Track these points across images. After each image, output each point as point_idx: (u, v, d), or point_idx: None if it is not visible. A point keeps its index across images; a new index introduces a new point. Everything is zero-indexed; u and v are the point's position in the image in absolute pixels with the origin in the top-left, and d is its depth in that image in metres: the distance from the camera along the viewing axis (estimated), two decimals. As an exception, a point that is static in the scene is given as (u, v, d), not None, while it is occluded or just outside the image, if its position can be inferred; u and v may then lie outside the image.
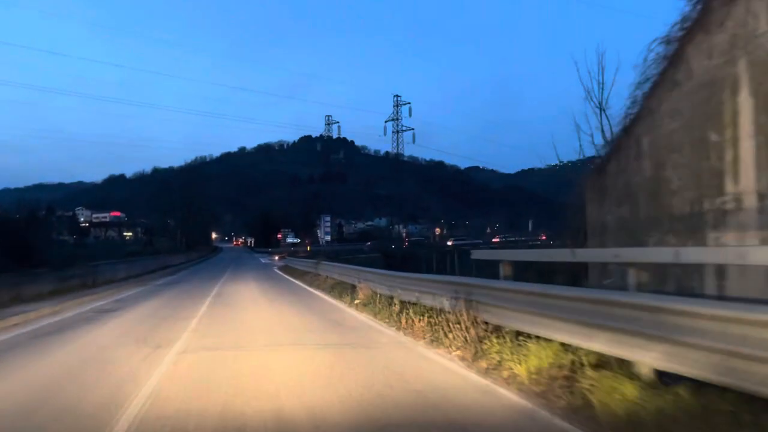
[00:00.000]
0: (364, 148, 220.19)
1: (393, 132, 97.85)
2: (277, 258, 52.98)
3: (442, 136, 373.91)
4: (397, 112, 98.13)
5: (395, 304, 10.64)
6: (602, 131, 12.82)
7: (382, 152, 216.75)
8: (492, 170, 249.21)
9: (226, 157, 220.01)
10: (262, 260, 54.26)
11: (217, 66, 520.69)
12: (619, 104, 13.95)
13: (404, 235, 72.32)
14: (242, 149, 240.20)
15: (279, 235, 71.89)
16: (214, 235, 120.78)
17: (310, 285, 20.62)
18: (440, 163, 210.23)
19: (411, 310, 9.54)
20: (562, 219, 13.40)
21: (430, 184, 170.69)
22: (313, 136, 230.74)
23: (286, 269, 33.08)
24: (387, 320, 10.07)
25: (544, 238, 66.06)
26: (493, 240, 57.39)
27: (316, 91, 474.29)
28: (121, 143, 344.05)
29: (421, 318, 8.70)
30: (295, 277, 25.72)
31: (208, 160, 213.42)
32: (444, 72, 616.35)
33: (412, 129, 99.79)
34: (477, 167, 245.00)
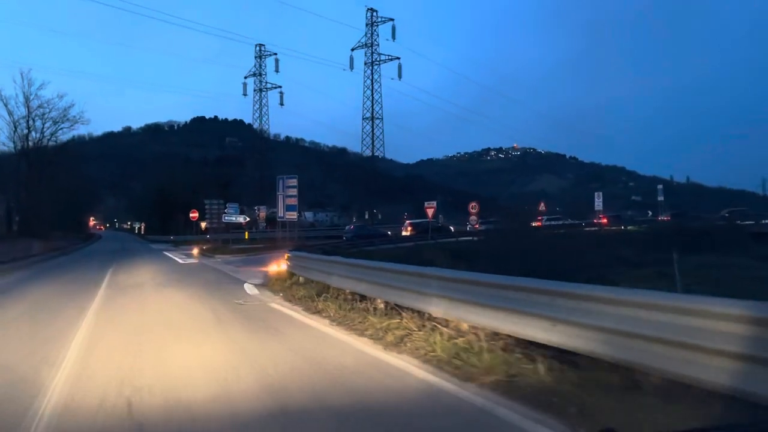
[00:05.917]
0: (264, 131, 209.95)
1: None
2: (196, 252, 33.84)
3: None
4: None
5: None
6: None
7: (282, 137, 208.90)
8: (392, 160, 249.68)
9: (109, 136, 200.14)
10: (179, 260, 29.06)
11: (96, 49, 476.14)
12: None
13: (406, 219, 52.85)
14: (127, 129, 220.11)
15: (193, 215, 48.79)
16: (92, 221, 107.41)
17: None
18: (343, 150, 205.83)
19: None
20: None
21: (333, 171, 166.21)
22: (207, 117, 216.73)
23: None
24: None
25: (605, 221, 58.20)
26: (535, 224, 48.42)
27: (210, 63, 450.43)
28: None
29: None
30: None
31: (87, 139, 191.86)
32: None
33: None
34: (377, 156, 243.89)
